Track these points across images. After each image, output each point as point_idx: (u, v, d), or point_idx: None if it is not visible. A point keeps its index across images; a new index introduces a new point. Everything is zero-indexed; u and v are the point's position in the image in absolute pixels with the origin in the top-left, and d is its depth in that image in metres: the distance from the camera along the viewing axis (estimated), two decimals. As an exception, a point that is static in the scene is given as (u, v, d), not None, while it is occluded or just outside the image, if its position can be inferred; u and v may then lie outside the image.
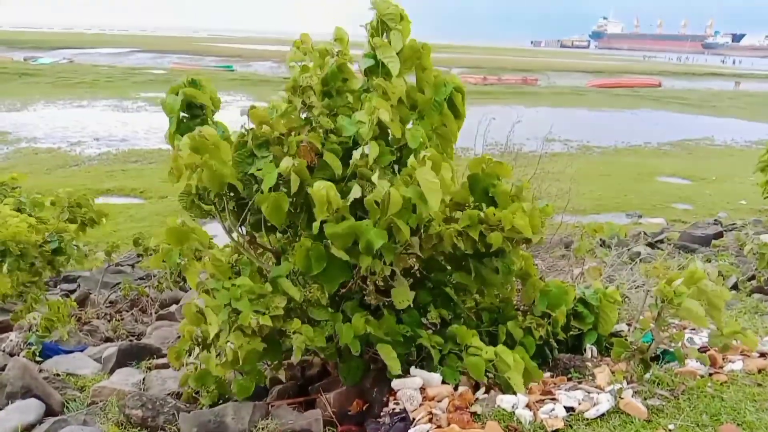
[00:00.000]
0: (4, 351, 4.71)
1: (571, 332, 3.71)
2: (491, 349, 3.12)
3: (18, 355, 4.56)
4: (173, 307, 5.87)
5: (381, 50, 3.23)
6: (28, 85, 37.16)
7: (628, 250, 7.28)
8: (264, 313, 2.78)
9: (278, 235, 3.67)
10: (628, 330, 3.93)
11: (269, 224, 3.45)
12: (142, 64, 56.37)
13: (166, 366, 4.27)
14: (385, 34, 3.29)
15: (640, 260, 6.57)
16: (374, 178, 2.86)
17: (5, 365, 4.38)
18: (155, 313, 5.81)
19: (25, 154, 18.32)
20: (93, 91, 34.97)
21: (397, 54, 3.25)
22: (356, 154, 3.02)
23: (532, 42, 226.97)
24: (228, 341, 2.70)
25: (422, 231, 3.18)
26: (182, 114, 3.61)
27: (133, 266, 7.77)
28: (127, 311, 5.86)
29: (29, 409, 3.76)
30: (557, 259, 6.36)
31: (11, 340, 4.88)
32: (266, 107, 3.40)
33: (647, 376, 3.04)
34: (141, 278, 7.07)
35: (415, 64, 3.41)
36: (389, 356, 3.04)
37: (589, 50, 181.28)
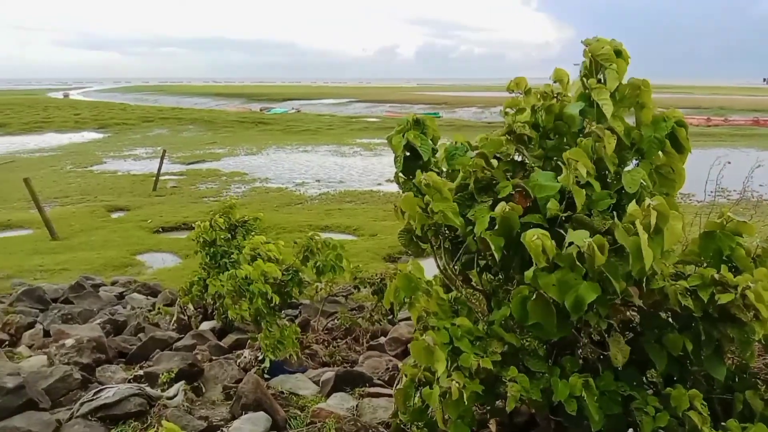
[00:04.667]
0: (239, 366, 5.31)
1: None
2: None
3: (250, 371, 5.10)
4: (382, 339, 6.15)
5: (595, 92, 3.15)
6: (263, 133, 42.29)
7: None
8: (483, 356, 2.80)
9: (489, 276, 3.70)
10: None
11: (481, 265, 3.51)
12: (359, 112, 61.13)
13: (377, 395, 4.48)
14: (599, 73, 3.21)
15: None
16: (570, 235, 2.77)
17: (240, 379, 4.94)
18: (366, 343, 6.14)
19: (259, 193, 20.72)
20: (316, 138, 38.63)
21: (614, 92, 3.15)
22: (553, 204, 2.95)
23: (765, 79, 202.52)
24: (452, 380, 2.75)
25: (644, 284, 2.98)
26: (406, 153, 3.85)
27: (346, 297, 8.30)
28: (341, 339, 6.27)
29: (259, 421, 4.18)
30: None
31: (245, 357, 5.49)
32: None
33: None
34: (353, 309, 7.51)
35: (633, 102, 3.27)
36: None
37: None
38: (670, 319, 3.19)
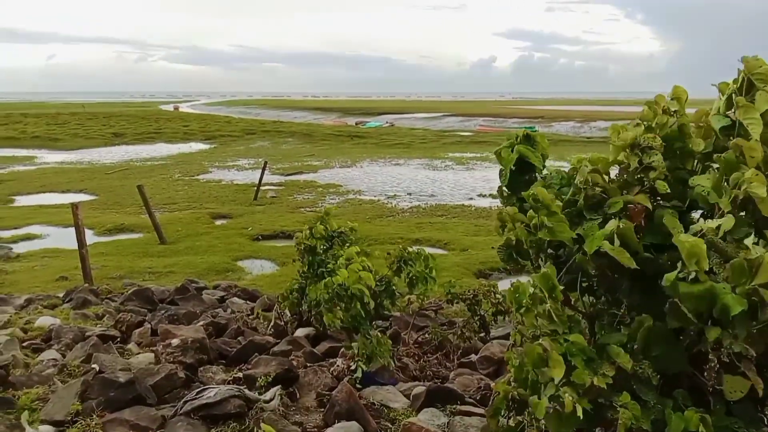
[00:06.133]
0: (332, 374, 5.39)
1: None
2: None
3: (343, 380, 5.16)
4: (473, 357, 6.05)
5: (742, 110, 2.93)
6: (357, 146, 43.12)
7: None
8: (597, 375, 2.70)
9: (591, 298, 3.56)
10: None
11: (584, 286, 3.38)
12: (451, 126, 61.09)
13: (468, 414, 4.41)
14: (749, 93, 3.00)
15: None
16: (748, 241, 2.60)
17: (333, 387, 5.02)
18: (457, 359, 6.06)
19: (352, 204, 21.10)
20: (408, 151, 38.92)
21: (761, 115, 2.94)
22: (711, 223, 2.76)
23: None
24: (565, 392, 2.67)
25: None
26: (512, 168, 3.78)
27: (436, 312, 8.25)
28: (432, 354, 6.23)
29: (351, 431, 4.23)
30: None
31: (338, 365, 5.57)
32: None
33: None
34: (443, 324, 7.45)
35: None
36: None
37: None
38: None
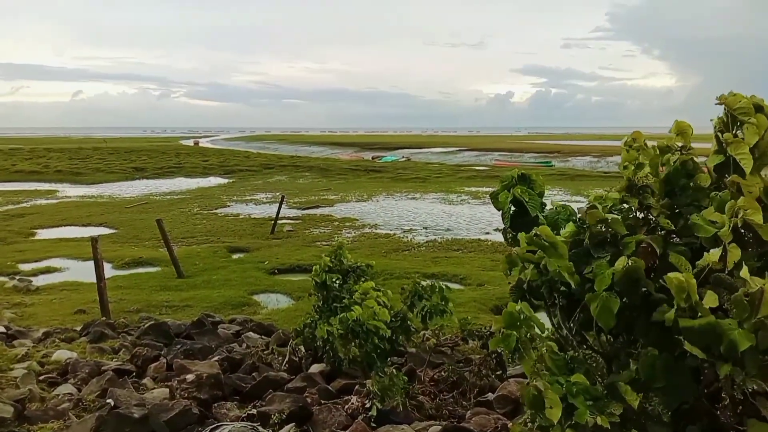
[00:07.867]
0: (346, 412, 5.33)
1: None
2: None
3: (357, 418, 5.11)
4: (490, 396, 5.96)
5: (732, 147, 2.96)
6: (373, 180, 43.39)
7: None
8: (600, 415, 2.66)
9: (609, 337, 3.52)
10: None
11: (600, 325, 3.35)
12: (467, 161, 61.36)
13: (485, 455, 4.33)
14: (736, 129, 3.03)
15: None
16: (743, 273, 2.58)
17: (347, 425, 4.97)
18: (473, 398, 5.97)
19: (368, 238, 21.12)
20: (424, 186, 39.05)
21: (752, 148, 2.95)
22: (712, 255, 2.76)
23: None
24: (566, 434, 2.63)
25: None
26: (512, 209, 3.79)
27: (452, 348, 8.16)
28: (448, 392, 6.14)
29: (365, 470, 4.17)
30: None
31: (352, 403, 5.51)
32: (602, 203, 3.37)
33: None
34: (459, 361, 7.36)
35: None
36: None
37: None
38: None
